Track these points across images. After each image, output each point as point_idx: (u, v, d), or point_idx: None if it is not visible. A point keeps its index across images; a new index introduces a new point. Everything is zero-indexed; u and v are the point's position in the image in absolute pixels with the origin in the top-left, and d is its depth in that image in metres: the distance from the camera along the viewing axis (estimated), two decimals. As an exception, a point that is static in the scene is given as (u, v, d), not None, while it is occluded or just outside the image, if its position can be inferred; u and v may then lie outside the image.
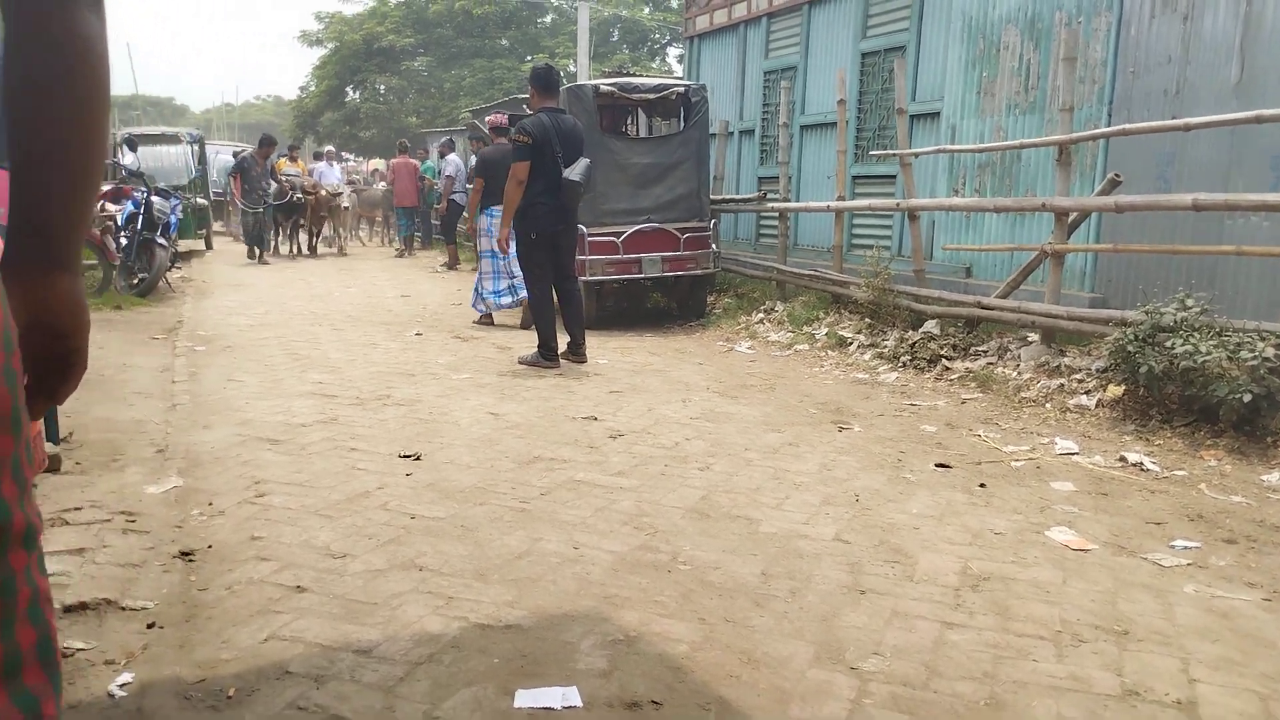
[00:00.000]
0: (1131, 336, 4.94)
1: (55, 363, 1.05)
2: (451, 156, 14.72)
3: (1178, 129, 5.26)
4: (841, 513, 3.70)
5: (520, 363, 6.78)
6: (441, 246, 17.13)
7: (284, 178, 15.14)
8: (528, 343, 7.33)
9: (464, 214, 12.02)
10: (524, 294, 8.36)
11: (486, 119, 10.61)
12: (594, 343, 7.19)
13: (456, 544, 3.27)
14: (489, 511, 3.61)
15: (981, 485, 4.10)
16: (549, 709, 2.23)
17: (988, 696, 2.33)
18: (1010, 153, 7.46)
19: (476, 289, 9.00)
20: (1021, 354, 6.15)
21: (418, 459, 4.30)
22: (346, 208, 16.77)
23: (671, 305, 9.62)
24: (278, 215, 15.60)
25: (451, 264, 14.45)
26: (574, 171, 6.39)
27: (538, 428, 4.98)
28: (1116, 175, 5.73)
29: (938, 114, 8.47)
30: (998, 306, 6.44)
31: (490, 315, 8.95)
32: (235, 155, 16.25)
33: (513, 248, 7.12)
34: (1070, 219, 6.05)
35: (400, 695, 2.27)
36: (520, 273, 8.24)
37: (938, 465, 4.40)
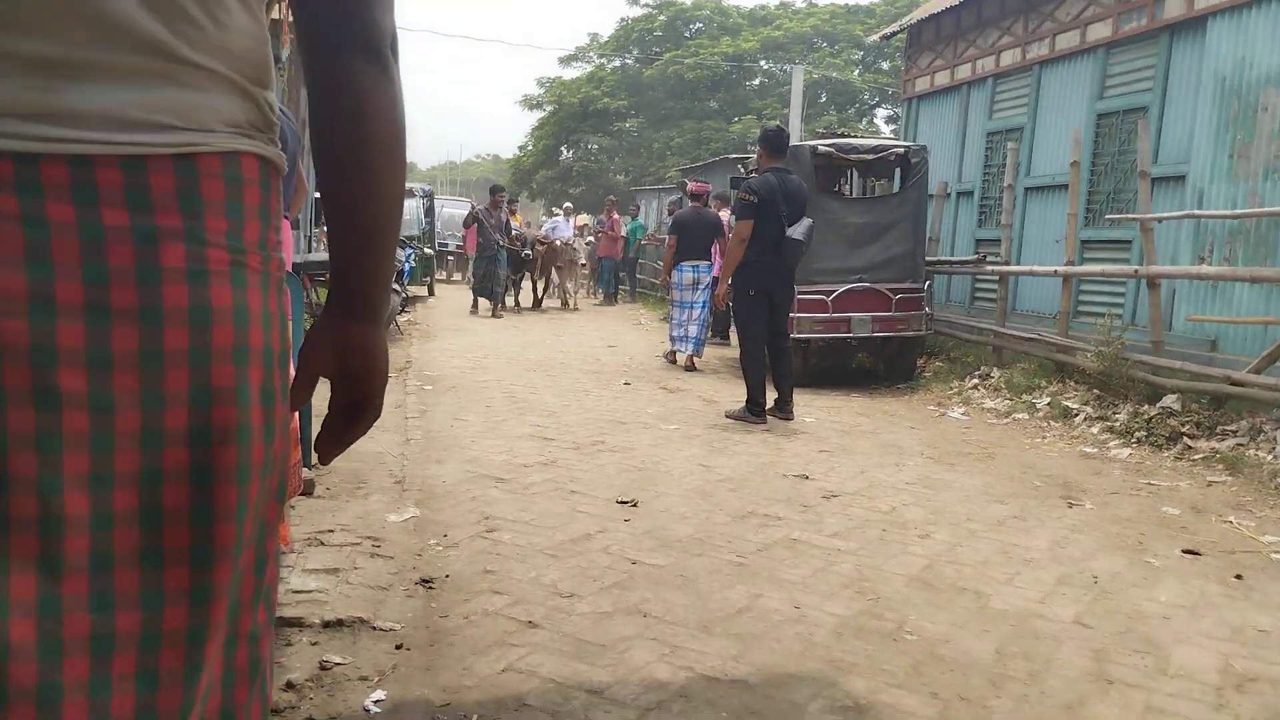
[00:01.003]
0: None
1: (350, 406, 1.10)
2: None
3: None
4: (1080, 594, 3.47)
5: (728, 416, 6.81)
6: (644, 300, 17.57)
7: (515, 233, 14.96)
8: (734, 396, 7.36)
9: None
10: (692, 347, 9.56)
11: (688, 185, 11.42)
12: (800, 401, 7.13)
13: (678, 593, 3.29)
14: (708, 563, 3.63)
15: (1238, 577, 3.75)
16: (782, 769, 2.19)
17: (1267, 812, 2.11)
18: (1267, 220, 6.91)
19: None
20: (1278, 436, 5.62)
21: (635, 505, 4.38)
22: (583, 263, 16.16)
23: (878, 366, 9.42)
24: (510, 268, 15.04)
25: None
26: (797, 230, 6.45)
27: (749, 483, 4.97)
28: (1399, 245, 5.19)
29: (1182, 178, 7.96)
30: (1252, 383, 5.92)
31: (674, 354, 9.90)
32: (473, 208, 15.65)
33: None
34: (1341, 292, 5.51)
35: (633, 738, 2.30)
36: (694, 328, 9.49)
37: (1185, 551, 4.06)
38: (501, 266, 14.21)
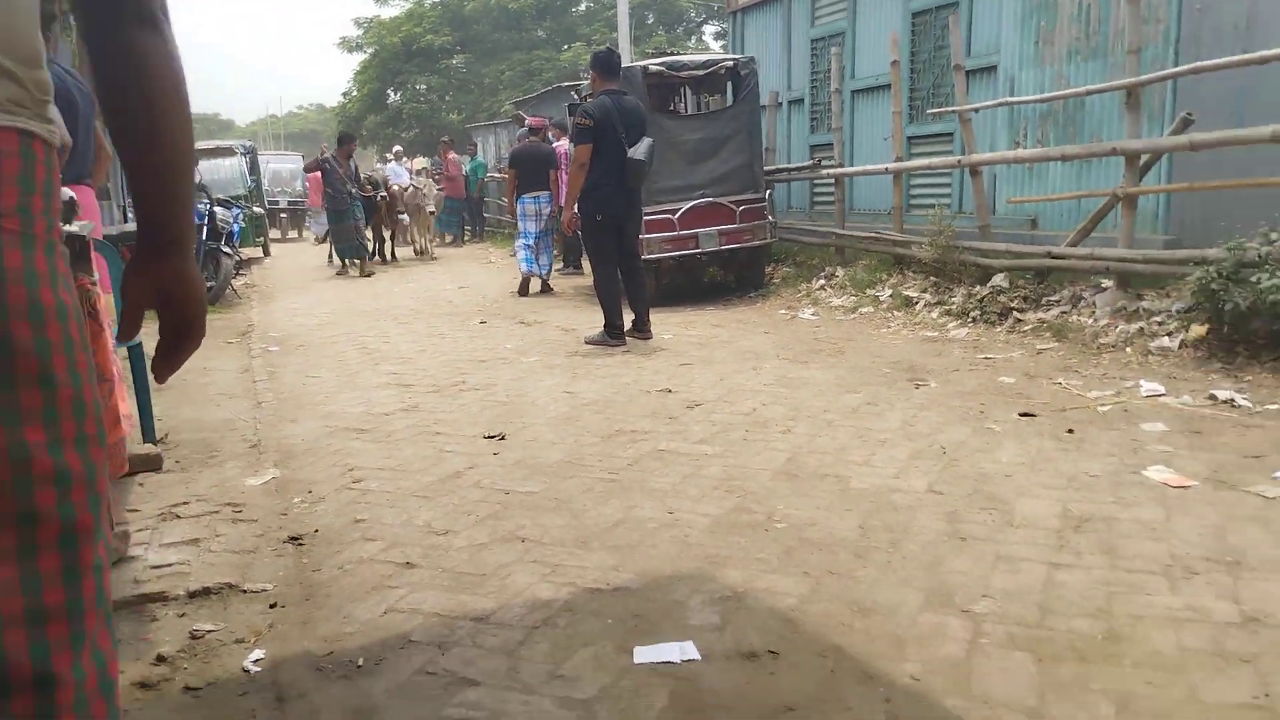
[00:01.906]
0: (1215, 274, 4.84)
1: (177, 329, 1.26)
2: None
3: (1253, 63, 5.11)
4: (930, 466, 3.68)
5: (587, 343, 6.83)
6: (494, 239, 17.33)
7: (365, 177, 13.71)
8: (591, 323, 7.38)
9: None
10: (544, 267, 10.16)
11: (528, 120, 11.89)
12: (656, 320, 7.20)
13: (553, 516, 3.32)
14: (580, 484, 3.66)
15: (1070, 431, 4.05)
16: (669, 663, 2.27)
17: (1105, 630, 2.32)
18: (1073, 101, 7.31)
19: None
20: (1097, 301, 6.05)
21: (503, 439, 4.37)
22: (432, 211, 14.89)
23: (730, 279, 9.60)
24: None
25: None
26: (638, 151, 6.44)
27: (614, 403, 5.02)
28: (1189, 114, 5.60)
29: (994, 67, 8.32)
30: (1069, 255, 6.33)
31: (526, 284, 10.13)
32: (318, 158, 13.61)
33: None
34: (1142, 161, 5.92)
35: (522, 657, 2.33)
36: (544, 256, 10.11)
37: (1021, 415, 4.36)
38: (359, 219, 13.01)
